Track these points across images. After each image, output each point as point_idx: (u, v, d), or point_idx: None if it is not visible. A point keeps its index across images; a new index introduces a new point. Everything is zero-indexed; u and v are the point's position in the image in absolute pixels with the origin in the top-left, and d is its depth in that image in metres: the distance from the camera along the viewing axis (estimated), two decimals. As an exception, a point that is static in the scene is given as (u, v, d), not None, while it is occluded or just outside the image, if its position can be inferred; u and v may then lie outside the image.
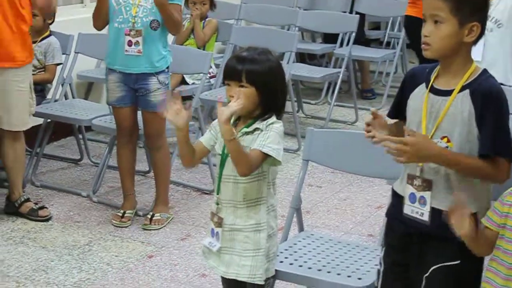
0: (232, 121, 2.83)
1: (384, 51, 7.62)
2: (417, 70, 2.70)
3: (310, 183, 5.19)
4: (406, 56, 7.77)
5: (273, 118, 2.82)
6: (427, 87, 2.56)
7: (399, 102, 2.69)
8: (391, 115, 2.74)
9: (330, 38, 7.36)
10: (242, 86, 2.78)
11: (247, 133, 2.81)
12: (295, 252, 3.16)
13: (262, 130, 2.79)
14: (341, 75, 6.45)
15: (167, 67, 4.40)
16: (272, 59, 2.86)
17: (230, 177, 2.82)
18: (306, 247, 3.22)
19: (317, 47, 7.52)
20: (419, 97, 2.58)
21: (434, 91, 2.54)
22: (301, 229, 3.39)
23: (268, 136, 2.77)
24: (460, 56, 2.51)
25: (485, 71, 2.54)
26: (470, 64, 2.53)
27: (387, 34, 8.13)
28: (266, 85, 2.79)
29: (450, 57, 2.51)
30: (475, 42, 2.52)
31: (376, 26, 9.30)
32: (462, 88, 2.49)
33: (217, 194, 2.88)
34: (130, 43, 4.29)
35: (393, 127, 2.65)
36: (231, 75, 2.81)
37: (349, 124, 6.59)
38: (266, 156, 2.75)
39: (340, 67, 6.60)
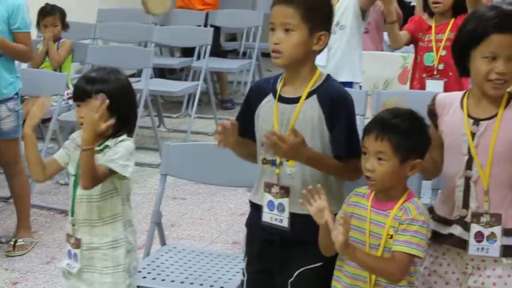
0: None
1: (240, 61, 7.77)
2: (261, 82, 2.78)
3: (175, 195, 5.25)
4: (262, 65, 7.95)
5: (124, 136, 2.84)
6: (275, 97, 2.63)
7: (245, 114, 2.72)
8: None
9: (188, 52, 7.46)
10: None
11: (97, 152, 2.82)
12: (158, 266, 3.20)
13: (111, 147, 2.81)
14: (199, 88, 6.55)
15: (16, 93, 4.35)
16: (122, 78, 2.88)
17: (83, 196, 2.83)
18: (168, 260, 3.27)
19: (175, 61, 7.62)
20: (267, 107, 2.64)
21: (283, 100, 2.61)
22: (163, 243, 3.44)
23: (116, 152, 2.79)
24: (307, 63, 2.60)
25: (329, 76, 2.64)
26: (315, 71, 2.62)
27: (243, 45, 8.27)
28: (116, 104, 2.79)
29: (298, 65, 2.58)
30: (321, 50, 2.61)
31: (233, 38, 9.47)
32: (309, 94, 2.58)
33: (72, 215, 2.88)
34: None
35: None
36: (80, 96, 2.82)
37: (210, 135, 6.66)
38: (112, 172, 2.78)
39: (199, 80, 6.71)
